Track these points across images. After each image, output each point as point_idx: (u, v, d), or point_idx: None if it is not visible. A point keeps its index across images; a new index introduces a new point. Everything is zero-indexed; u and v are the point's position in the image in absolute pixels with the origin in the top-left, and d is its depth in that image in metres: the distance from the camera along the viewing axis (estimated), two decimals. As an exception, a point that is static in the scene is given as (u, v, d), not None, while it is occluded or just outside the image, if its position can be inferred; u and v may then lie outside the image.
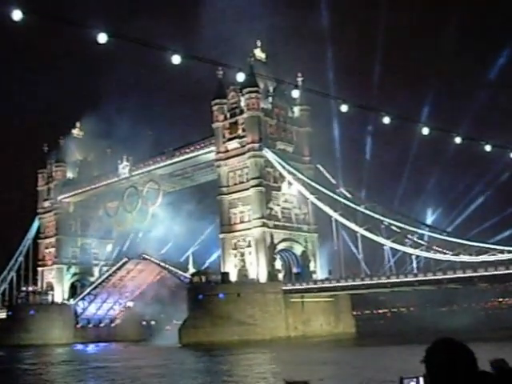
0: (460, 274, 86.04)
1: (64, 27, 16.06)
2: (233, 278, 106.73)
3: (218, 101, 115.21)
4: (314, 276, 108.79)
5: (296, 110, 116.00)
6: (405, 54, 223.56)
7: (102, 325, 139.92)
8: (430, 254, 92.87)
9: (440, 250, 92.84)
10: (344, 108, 23.43)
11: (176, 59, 17.40)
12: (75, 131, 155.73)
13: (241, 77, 27.12)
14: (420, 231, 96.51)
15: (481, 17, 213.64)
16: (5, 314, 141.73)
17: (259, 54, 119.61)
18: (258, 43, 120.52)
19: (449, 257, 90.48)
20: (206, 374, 53.33)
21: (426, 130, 27.44)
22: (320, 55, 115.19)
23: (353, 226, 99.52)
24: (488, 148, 30.90)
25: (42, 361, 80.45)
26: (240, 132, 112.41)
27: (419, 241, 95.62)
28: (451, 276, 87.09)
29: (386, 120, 25.44)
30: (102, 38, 15.55)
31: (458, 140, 29.34)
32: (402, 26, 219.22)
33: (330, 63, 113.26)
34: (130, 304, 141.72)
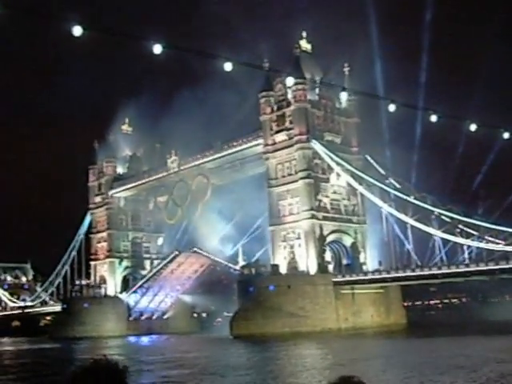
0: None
1: (119, 39, 16.71)
2: (283, 270, 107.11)
3: (264, 93, 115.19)
4: (364, 267, 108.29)
5: (343, 100, 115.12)
6: (454, 44, 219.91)
7: (154, 317, 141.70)
8: (482, 244, 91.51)
9: (492, 239, 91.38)
10: (392, 108, 23.49)
11: (228, 66, 17.75)
12: (124, 127, 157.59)
13: (290, 81, 27.32)
14: (471, 221, 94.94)
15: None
16: (60, 307, 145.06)
17: (305, 45, 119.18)
18: (304, 34, 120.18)
19: (501, 247, 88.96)
20: (283, 363, 53.93)
21: (473, 127, 27.34)
22: (367, 45, 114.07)
23: (403, 216, 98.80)
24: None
25: (107, 352, 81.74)
26: (287, 124, 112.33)
27: (471, 231, 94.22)
28: (504, 266, 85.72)
29: (434, 118, 25.45)
30: (157, 48, 16.36)
31: (506, 135, 29.26)
32: (451, 17, 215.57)
33: (377, 53, 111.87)
34: (181, 297, 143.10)
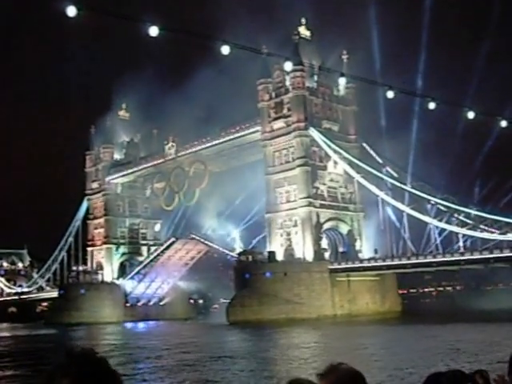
0: (507, 253, 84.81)
1: (115, 21, 16.71)
2: (279, 257, 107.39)
3: (262, 80, 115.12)
4: (360, 255, 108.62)
5: (341, 88, 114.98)
6: (454, 31, 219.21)
7: (151, 303, 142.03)
8: (477, 233, 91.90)
9: (487, 228, 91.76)
10: (390, 94, 23.50)
11: (225, 49, 17.56)
12: (121, 112, 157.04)
13: (288, 66, 27.26)
14: (467, 210, 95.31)
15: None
16: (56, 293, 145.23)
17: (304, 31, 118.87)
18: (303, 21, 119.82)
19: (496, 236, 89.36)
20: (283, 349, 54.43)
21: (471, 114, 27.38)
22: (366, 32, 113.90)
23: (399, 204, 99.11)
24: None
25: (107, 338, 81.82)
26: (285, 111, 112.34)
27: (466, 219, 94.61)
28: (498, 255, 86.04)
29: (432, 105, 25.46)
30: (154, 31, 16.29)
31: (503, 123, 29.34)
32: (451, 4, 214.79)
33: (375, 40, 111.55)
34: (178, 283, 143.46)
